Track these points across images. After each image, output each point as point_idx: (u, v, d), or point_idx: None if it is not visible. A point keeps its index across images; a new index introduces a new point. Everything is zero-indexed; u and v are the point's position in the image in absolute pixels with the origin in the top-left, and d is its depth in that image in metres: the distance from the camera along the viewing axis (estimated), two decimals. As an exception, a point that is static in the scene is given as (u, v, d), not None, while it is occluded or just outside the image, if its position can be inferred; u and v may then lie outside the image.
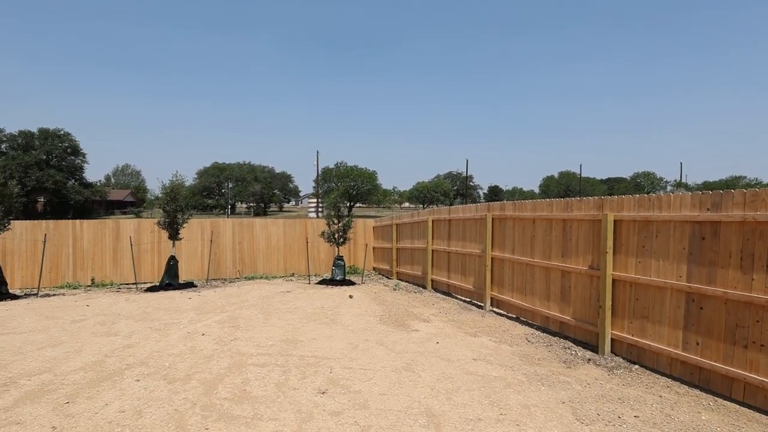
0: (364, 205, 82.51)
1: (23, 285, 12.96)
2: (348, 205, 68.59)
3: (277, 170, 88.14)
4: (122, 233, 13.81)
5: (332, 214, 12.47)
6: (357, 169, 66.75)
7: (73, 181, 55.72)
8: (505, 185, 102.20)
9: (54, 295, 10.76)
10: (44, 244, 12.50)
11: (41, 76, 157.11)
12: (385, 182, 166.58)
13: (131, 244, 12.72)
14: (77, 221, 13.75)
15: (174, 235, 11.78)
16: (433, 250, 10.81)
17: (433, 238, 10.85)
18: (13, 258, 13.02)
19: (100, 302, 9.27)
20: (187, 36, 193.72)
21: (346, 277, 12.57)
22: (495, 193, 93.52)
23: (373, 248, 15.94)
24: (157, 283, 11.79)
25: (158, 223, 11.65)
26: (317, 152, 54.26)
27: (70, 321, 7.44)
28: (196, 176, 75.14)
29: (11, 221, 10.84)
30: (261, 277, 14.27)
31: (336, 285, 11.73)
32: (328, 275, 13.99)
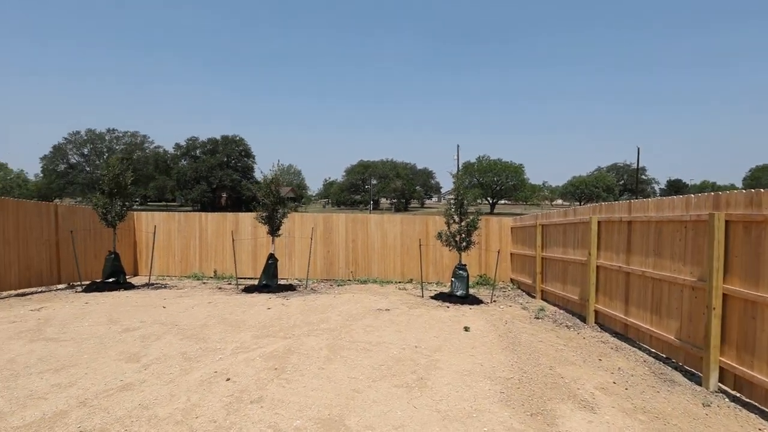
0: (509, 202, 76.11)
1: (160, 273, 13.51)
2: (490, 201, 63.81)
3: (419, 166, 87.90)
4: (241, 227, 13.37)
5: (451, 211, 9.63)
6: (500, 163, 61.44)
7: (245, 179, 64.21)
8: (690, 179, 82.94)
9: (162, 287, 10.50)
10: (154, 236, 12.70)
11: (226, 97, 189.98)
12: (534, 178, 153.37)
13: (232, 239, 12.00)
14: (203, 214, 13.80)
15: (273, 231, 10.54)
16: (598, 267, 7.10)
17: (599, 248, 7.14)
18: (154, 246, 13.64)
19: (182, 303, 8.31)
20: (341, 37, 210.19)
21: (470, 292, 9.61)
22: (676, 188, 76.60)
23: (511, 254, 12.50)
24: (256, 283, 10.72)
25: (258, 218, 10.53)
26: (458, 146, 51.25)
27: (121, 330, 6.34)
28: (344, 174, 79.64)
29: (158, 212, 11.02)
30: (374, 281, 12.26)
31: (454, 303, 8.90)
32: (449, 287, 11.20)
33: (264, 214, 10.38)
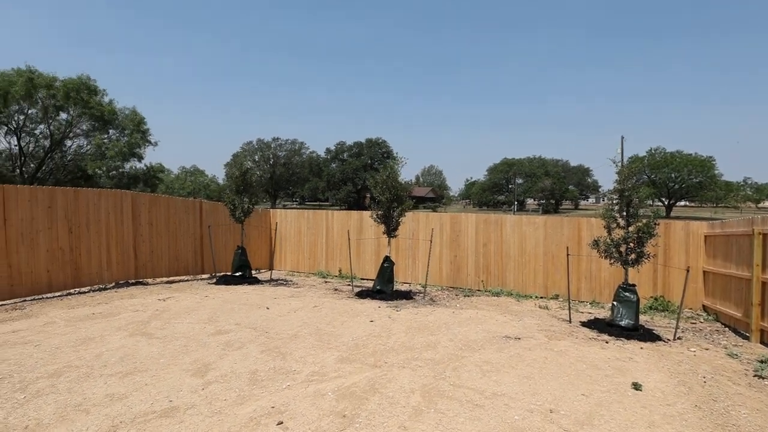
0: (693, 204, 62.22)
1: (291, 268, 13.88)
2: (665, 202, 53.00)
3: (573, 164, 78.67)
4: (365, 225, 12.79)
5: (614, 212, 7.15)
6: (681, 156, 50.35)
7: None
8: None
9: (283, 284, 10.41)
10: (275, 233, 12.82)
11: (371, 100, 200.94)
12: (730, 174, 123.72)
13: (348, 238, 11.31)
14: (329, 212, 13.67)
15: (390, 231, 9.48)
16: None
17: None
18: (285, 243, 14.09)
19: (286, 305, 7.81)
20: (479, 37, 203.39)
21: (640, 322, 6.98)
22: None
23: (704, 272, 9.07)
24: (371, 287, 9.81)
25: (373, 217, 9.61)
26: (622, 137, 43.48)
27: (212, 332, 5.94)
28: (486, 173, 76.19)
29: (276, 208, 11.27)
30: (509, 294, 10.27)
31: (616, 336, 6.47)
32: (607, 310, 8.57)
33: (379, 213, 9.41)
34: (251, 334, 5.85)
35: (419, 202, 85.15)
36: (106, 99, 22.63)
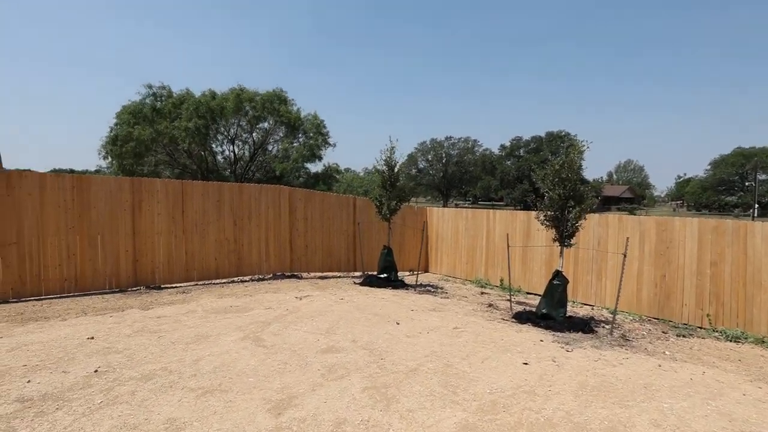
0: None
1: (447, 272, 12.61)
2: None
3: None
4: (533, 228, 10.57)
5: None
6: None
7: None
8: None
9: (430, 291, 9.13)
10: (423, 233, 11.44)
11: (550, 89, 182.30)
12: None
13: (507, 244, 9.20)
14: (491, 211, 11.82)
15: (563, 239, 7.19)
16: None
17: None
18: (442, 244, 12.89)
19: (422, 323, 6.46)
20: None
21: None
22: None
23: None
24: (536, 309, 7.64)
25: (539, 219, 7.45)
26: None
27: (322, 348, 5.00)
28: (708, 168, 60.36)
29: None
30: (758, 341, 6.73)
31: None
32: None
33: (549, 214, 7.22)
34: (363, 359, 4.71)
35: (610, 203, 73.19)
36: (295, 108, 25.74)
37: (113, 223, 7.95)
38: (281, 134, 26.64)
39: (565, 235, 7.19)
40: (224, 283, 9.07)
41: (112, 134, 23.28)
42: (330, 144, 26.53)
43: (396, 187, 9.71)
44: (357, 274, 11.36)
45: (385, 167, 9.78)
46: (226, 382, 3.99)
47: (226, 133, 25.80)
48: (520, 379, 4.39)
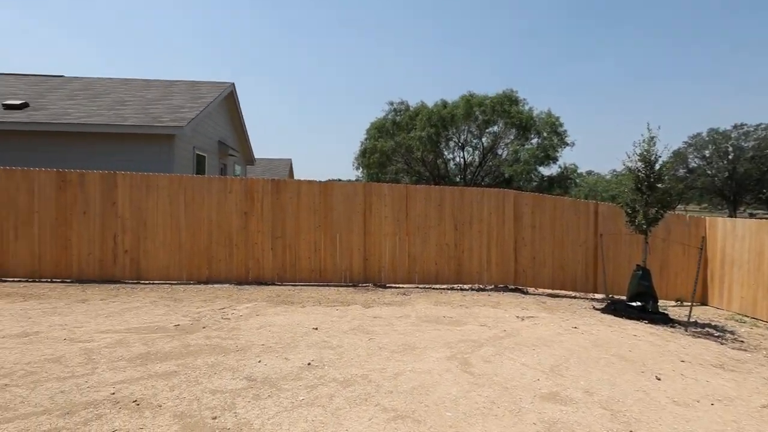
0: None
1: (740, 309, 9.00)
2: None
3: None
4: None
5: None
6: None
7: None
8: None
9: (711, 335, 6.42)
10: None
11: None
12: None
13: None
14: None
15: None
16: None
17: None
18: (731, 269, 9.31)
19: (693, 386, 4.38)
20: None
21: None
22: None
23: None
24: None
25: None
26: None
27: (507, 405, 3.85)
28: None
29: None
30: None
31: None
32: None
33: None
34: (600, 424, 3.36)
35: None
36: (526, 107, 24.01)
37: (349, 223, 8.77)
38: (511, 137, 25.47)
39: None
40: (443, 289, 8.82)
41: (362, 148, 27.50)
42: (567, 143, 23.65)
43: (657, 190, 7.37)
44: (598, 296, 9.31)
45: (639, 164, 7.57)
46: (421, 410, 3.44)
47: (456, 140, 26.48)
48: None
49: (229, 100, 16.36)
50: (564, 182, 24.31)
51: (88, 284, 7.94)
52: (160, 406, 3.38)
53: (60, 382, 3.76)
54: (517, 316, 6.72)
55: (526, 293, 9.04)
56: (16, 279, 8.09)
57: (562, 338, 5.67)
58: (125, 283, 8.19)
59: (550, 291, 9.39)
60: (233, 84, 15.93)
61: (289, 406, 3.42)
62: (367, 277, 8.85)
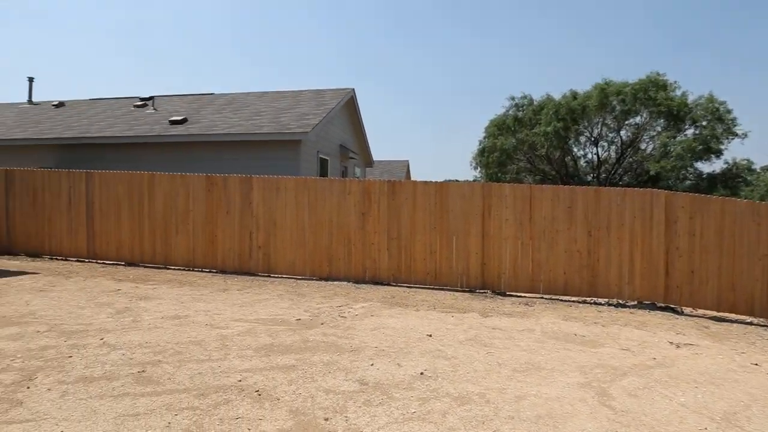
0: None
1: None
2: None
3: None
4: None
5: None
6: None
7: None
8: None
9: None
10: None
11: None
12: None
13: None
14: None
15: None
16: None
17: None
18: None
19: None
20: None
21: None
22: None
23: None
24: None
25: None
26: None
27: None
28: None
29: None
30: None
31: None
32: None
33: None
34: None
35: None
36: (678, 92, 20.20)
37: (465, 225, 8.35)
38: (659, 128, 21.84)
39: None
40: (572, 301, 7.84)
41: (480, 147, 26.40)
42: (736, 134, 19.32)
43: None
44: (784, 324, 7.32)
45: None
46: (549, 446, 2.94)
47: (588, 134, 23.74)
48: None
49: (349, 105, 17.15)
50: (731, 181, 19.98)
51: (229, 275, 8.94)
52: (278, 399, 3.48)
53: (198, 364, 4.16)
54: (671, 342, 5.57)
55: (681, 313, 7.54)
56: (177, 267, 9.52)
57: (736, 376, 4.48)
58: (258, 275, 9.02)
59: (714, 313, 7.68)
60: (353, 89, 16.65)
61: (399, 418, 3.23)
62: (485, 282, 8.32)
